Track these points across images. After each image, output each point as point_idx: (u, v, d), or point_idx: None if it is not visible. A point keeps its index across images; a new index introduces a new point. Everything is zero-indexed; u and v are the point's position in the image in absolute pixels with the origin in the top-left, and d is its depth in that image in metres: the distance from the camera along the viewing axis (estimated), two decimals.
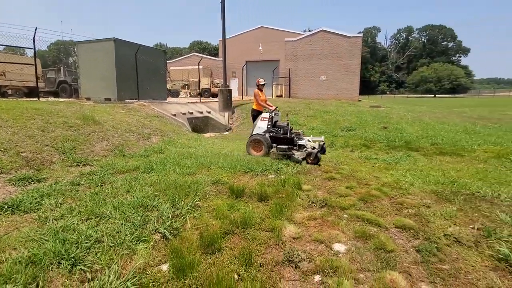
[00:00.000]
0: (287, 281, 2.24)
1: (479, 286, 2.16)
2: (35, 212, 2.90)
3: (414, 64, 75.51)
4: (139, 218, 2.84)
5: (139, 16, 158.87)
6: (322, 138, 5.84)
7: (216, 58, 27.01)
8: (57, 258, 2.14)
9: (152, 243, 2.50)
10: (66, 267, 2.07)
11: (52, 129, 5.35)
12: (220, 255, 2.46)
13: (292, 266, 2.39)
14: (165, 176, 4.14)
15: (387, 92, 75.18)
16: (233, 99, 16.05)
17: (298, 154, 5.46)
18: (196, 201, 3.43)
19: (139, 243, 2.48)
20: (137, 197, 3.30)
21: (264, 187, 3.99)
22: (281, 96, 20.68)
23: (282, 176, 4.56)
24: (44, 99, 9.18)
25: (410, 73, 72.29)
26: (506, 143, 7.24)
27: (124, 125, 7.09)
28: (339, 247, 2.68)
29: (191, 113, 11.04)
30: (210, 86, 22.07)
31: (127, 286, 1.96)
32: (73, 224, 2.64)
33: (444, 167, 5.28)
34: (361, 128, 9.71)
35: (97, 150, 5.31)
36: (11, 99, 10.71)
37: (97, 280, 1.99)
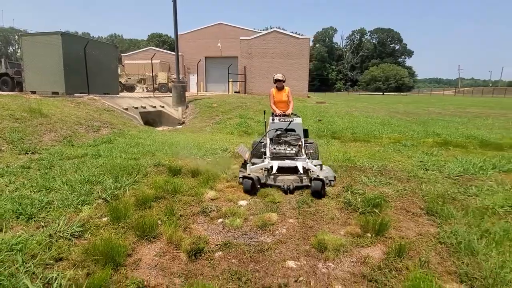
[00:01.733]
0: (198, 223, 3.14)
1: (325, 218, 3.28)
2: None
3: (367, 64, 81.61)
4: (85, 189, 3.52)
5: (91, 2, 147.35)
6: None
7: (174, 53, 27.00)
8: (16, 214, 2.78)
9: (95, 205, 3.23)
10: (23, 219, 2.73)
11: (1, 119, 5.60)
12: (150, 210, 3.28)
13: (204, 215, 3.30)
14: (111, 160, 4.78)
15: (342, 90, 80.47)
16: (190, 95, 16.55)
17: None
18: (137, 178, 4.17)
19: (85, 205, 3.19)
20: (84, 175, 3.94)
21: (199, 166, 4.86)
22: (239, 92, 21.57)
23: (217, 159, 5.47)
24: None
25: (363, 72, 78.05)
26: (407, 132, 8.99)
27: (73, 118, 7.39)
28: (242, 202, 3.66)
29: (144, 107, 11.41)
30: (168, 81, 22.13)
31: (73, 229, 2.68)
32: (27, 194, 3.24)
33: (349, 149, 6.62)
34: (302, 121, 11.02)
35: (45, 141, 5.69)
36: None
37: (49, 227, 2.68)
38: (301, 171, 4.12)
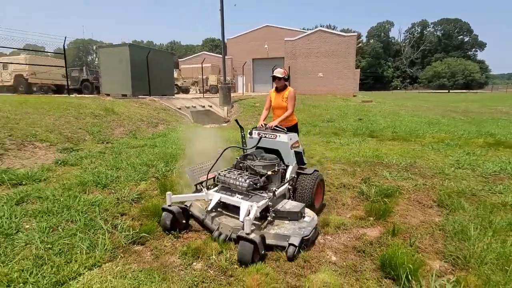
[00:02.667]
0: None
1: (337, 204, 3.64)
2: (78, 166, 4.59)
3: (429, 59, 74.24)
4: (143, 170, 4.47)
5: (155, 15, 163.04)
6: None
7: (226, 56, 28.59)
8: (95, 183, 3.80)
9: (149, 181, 4.13)
10: (100, 187, 3.73)
11: (83, 117, 7.13)
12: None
13: None
14: (164, 150, 5.78)
15: (400, 88, 74.51)
16: (236, 95, 17.65)
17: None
18: (182, 164, 5.03)
19: (142, 181, 4.11)
20: (143, 160, 4.94)
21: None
22: None
23: None
24: (73, 95, 11.09)
25: (424, 68, 71.28)
26: (456, 131, 8.45)
27: (137, 116, 8.82)
28: None
29: (194, 107, 12.71)
30: (217, 83, 23.71)
31: (133, 196, 3.57)
32: (102, 171, 4.31)
33: (382, 148, 6.64)
34: (340, 120, 11.05)
35: (116, 133, 7.04)
36: (42, 95, 12.76)
37: (117, 193, 3.62)
38: (243, 215, 2.53)
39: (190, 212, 3.05)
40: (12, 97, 8.45)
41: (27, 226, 2.66)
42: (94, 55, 69.02)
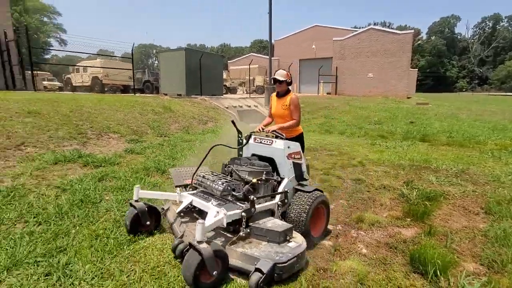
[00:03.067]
0: None
1: (375, 204, 3.71)
2: (142, 154, 5.36)
3: (502, 57, 65.02)
4: (193, 160, 5.04)
5: (208, 20, 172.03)
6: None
7: (272, 58, 29.03)
8: (156, 169, 4.44)
9: None
10: (159, 172, 4.36)
11: (146, 114, 8.14)
12: None
13: None
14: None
15: (466, 90, 66.55)
16: None
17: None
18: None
19: None
20: (194, 152, 5.55)
21: None
22: (330, 93, 21.66)
23: None
24: (138, 95, 12.58)
25: (496, 67, 62.64)
26: None
27: (190, 114, 9.69)
28: None
29: (241, 106, 13.35)
30: (264, 84, 24.27)
31: None
32: (161, 159, 4.98)
33: (433, 152, 6.29)
34: (389, 122, 10.58)
35: (171, 129, 7.89)
36: (112, 94, 14.67)
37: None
38: (209, 221, 2.09)
39: (163, 215, 2.76)
40: (91, 96, 9.95)
41: (107, 198, 3.32)
42: (154, 59, 75.41)
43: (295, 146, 2.91)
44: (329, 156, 6.16)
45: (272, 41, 16.96)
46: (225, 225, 2.15)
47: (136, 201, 2.59)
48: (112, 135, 6.08)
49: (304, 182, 2.94)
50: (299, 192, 2.73)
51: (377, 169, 5.14)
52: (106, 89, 17.93)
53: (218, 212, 2.20)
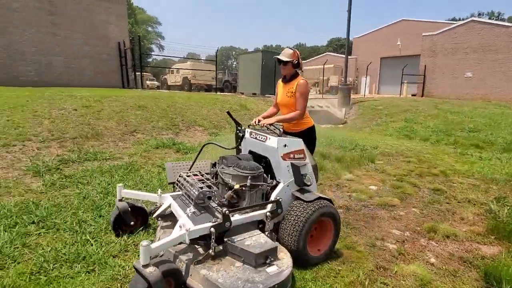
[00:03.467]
0: (330, 191, 4.24)
1: (454, 217, 3.44)
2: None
3: None
4: None
5: (283, 20, 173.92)
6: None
7: (349, 57, 27.69)
8: None
9: None
10: None
11: (225, 111, 9.07)
12: None
13: (337, 187, 4.35)
14: None
15: None
16: (356, 97, 17.12)
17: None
18: None
19: None
20: None
21: (345, 156, 5.85)
22: (415, 95, 19.55)
23: (364, 153, 6.20)
24: (218, 93, 13.94)
25: None
26: None
27: (262, 112, 10.31)
28: (373, 187, 4.36)
29: (313, 107, 13.37)
30: (339, 84, 23.48)
31: None
32: None
33: None
34: (487, 130, 9.05)
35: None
36: (198, 92, 16.57)
37: None
38: (164, 239, 1.81)
39: (150, 215, 2.60)
40: (182, 94, 11.55)
41: None
42: (233, 60, 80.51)
43: (295, 144, 2.35)
44: (405, 162, 5.79)
45: (351, 38, 16.29)
46: (187, 242, 1.82)
47: (120, 200, 2.47)
48: (198, 128, 7.05)
49: (310, 188, 2.38)
50: (296, 201, 2.26)
51: (463, 181, 4.63)
52: (193, 88, 20.32)
53: (181, 227, 1.90)
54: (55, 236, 2.47)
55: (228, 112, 2.93)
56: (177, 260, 1.89)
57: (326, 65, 18.79)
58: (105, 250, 2.29)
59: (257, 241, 1.98)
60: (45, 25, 9.94)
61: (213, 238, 1.85)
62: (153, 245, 1.67)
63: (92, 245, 2.36)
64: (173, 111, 7.63)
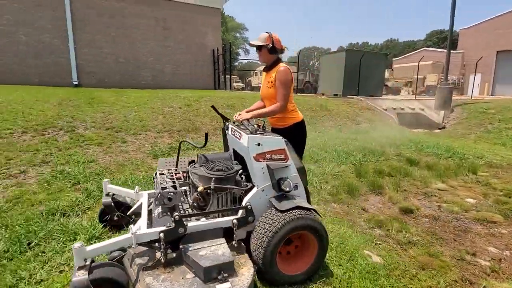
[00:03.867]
0: (416, 198, 3.97)
1: None
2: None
3: None
4: (344, 156, 5.45)
5: (371, 14, 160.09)
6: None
7: (453, 51, 23.70)
8: (309, 157, 5.21)
9: (348, 165, 5.03)
10: (312, 161, 5.10)
11: (305, 111, 9.25)
12: (381, 178, 4.55)
13: (424, 196, 4.04)
14: (363, 144, 6.49)
15: None
16: (461, 98, 14.71)
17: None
18: (379, 159, 5.52)
19: (342, 164, 5.08)
20: (344, 150, 5.94)
21: (438, 163, 5.30)
22: None
23: (463, 163, 5.46)
24: (298, 94, 14.21)
25: None
26: None
27: (344, 113, 10.05)
28: (470, 200, 3.88)
29: (402, 109, 12.16)
30: (438, 83, 20.52)
31: (334, 171, 4.62)
32: (315, 151, 5.72)
33: None
34: None
35: (326, 126, 8.57)
36: None
37: (323, 168, 4.82)
38: (133, 230, 1.74)
39: (114, 204, 2.50)
40: None
41: None
42: (315, 60, 79.24)
43: (273, 143, 2.03)
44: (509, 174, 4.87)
45: (456, 30, 14.05)
46: (134, 246, 1.73)
47: (107, 195, 2.49)
48: None
49: (296, 194, 2.09)
50: (270, 209, 1.99)
51: None
52: None
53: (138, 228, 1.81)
54: None
55: (212, 106, 2.73)
56: (133, 262, 1.75)
57: (422, 62, 16.70)
58: None
59: (214, 252, 1.75)
60: (160, 39, 12.14)
61: (162, 244, 1.71)
62: (89, 247, 1.61)
63: None
64: None
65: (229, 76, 13.94)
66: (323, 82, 15.51)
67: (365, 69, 13.70)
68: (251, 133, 2.03)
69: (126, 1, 11.32)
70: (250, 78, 24.01)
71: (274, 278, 1.91)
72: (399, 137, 7.64)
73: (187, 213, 2.05)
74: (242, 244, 1.95)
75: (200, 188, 2.03)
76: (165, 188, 2.05)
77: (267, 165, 2.01)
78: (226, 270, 1.66)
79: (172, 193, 1.98)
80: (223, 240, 1.88)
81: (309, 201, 2.23)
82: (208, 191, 2.04)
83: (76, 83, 10.60)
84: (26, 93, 7.03)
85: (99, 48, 11.07)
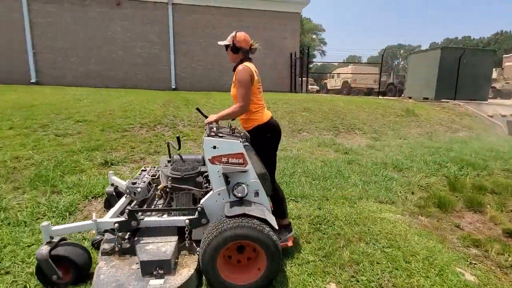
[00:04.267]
0: None
1: None
2: (381, 151, 5.95)
3: None
4: (434, 167, 4.92)
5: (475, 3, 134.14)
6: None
7: None
8: (393, 165, 4.90)
9: (439, 178, 4.55)
10: (396, 170, 4.79)
11: (387, 116, 8.63)
12: (480, 195, 3.98)
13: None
14: (460, 156, 5.70)
15: None
16: None
17: None
18: (480, 173, 4.80)
19: (432, 176, 4.62)
20: (436, 159, 5.35)
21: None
22: None
23: None
24: (380, 97, 13.26)
25: None
26: None
27: (435, 119, 8.95)
28: None
29: None
30: None
31: (422, 183, 4.26)
32: (400, 159, 5.33)
33: None
34: None
35: (412, 133, 7.82)
36: (357, 96, 16.33)
37: (409, 178, 4.48)
38: (74, 224, 2.09)
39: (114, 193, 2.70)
40: (342, 97, 11.93)
41: (353, 176, 4.32)
42: (400, 60, 71.84)
43: (230, 146, 2.00)
44: None
45: None
46: (95, 232, 1.98)
47: (112, 185, 2.71)
48: (357, 132, 7.23)
49: (258, 201, 2.06)
50: (222, 213, 1.97)
51: None
52: (352, 92, 20.21)
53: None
54: None
55: (197, 109, 2.74)
56: (101, 246, 1.98)
57: None
58: None
59: (159, 248, 1.86)
60: None
61: (116, 234, 1.91)
62: (54, 227, 1.87)
63: None
64: (334, 114, 8.17)
65: (305, 78, 14.01)
66: (411, 84, 14.02)
67: (465, 69, 11.82)
68: (208, 135, 2.04)
69: (217, 14, 12.64)
70: (326, 81, 23.49)
71: (213, 283, 1.85)
72: (509, 150, 6.42)
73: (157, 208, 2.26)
74: (194, 245, 2.00)
75: (159, 186, 2.22)
76: (135, 183, 2.23)
77: (223, 169, 1.99)
78: (163, 267, 1.75)
79: (138, 188, 2.15)
80: (174, 238, 1.96)
81: (280, 211, 2.34)
82: (167, 189, 2.17)
83: (174, 87, 12.40)
84: (138, 95, 8.64)
85: (192, 57, 12.68)
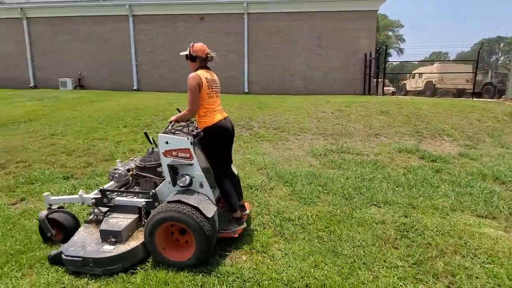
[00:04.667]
0: None
1: None
2: (477, 160, 5.21)
3: None
4: None
5: None
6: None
7: None
8: (493, 177, 4.28)
9: None
10: (497, 183, 4.18)
11: (485, 121, 7.48)
12: None
13: None
14: None
15: None
16: None
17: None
18: None
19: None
20: None
21: None
22: None
23: None
24: (475, 99, 11.47)
25: None
26: None
27: None
28: None
29: None
30: None
31: None
32: (501, 170, 4.62)
33: None
34: None
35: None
36: (445, 98, 14.40)
37: None
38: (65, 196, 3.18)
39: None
40: (427, 100, 10.71)
41: (443, 187, 3.96)
42: (500, 55, 60.60)
43: (179, 142, 2.33)
44: None
45: None
46: (80, 204, 2.60)
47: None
48: (446, 138, 6.50)
49: (202, 192, 2.38)
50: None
51: None
52: (438, 93, 17.96)
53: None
54: (331, 197, 3.63)
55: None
56: (89, 216, 2.53)
57: None
58: None
59: (117, 222, 2.31)
60: (313, 49, 13.07)
61: (93, 208, 2.48)
62: (52, 197, 2.56)
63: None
64: (417, 118, 7.51)
65: (381, 80, 13.11)
66: None
67: None
68: (163, 132, 2.40)
69: (290, 20, 12.94)
70: (404, 82, 21.38)
71: (153, 254, 2.24)
72: None
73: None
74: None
75: (129, 173, 2.67)
76: (116, 169, 2.64)
77: (170, 162, 2.34)
78: (115, 236, 2.20)
79: (116, 174, 2.58)
80: (134, 216, 2.40)
81: (230, 206, 2.54)
82: (132, 176, 2.69)
83: (246, 91, 13.16)
84: None
85: (263, 61, 13.25)
